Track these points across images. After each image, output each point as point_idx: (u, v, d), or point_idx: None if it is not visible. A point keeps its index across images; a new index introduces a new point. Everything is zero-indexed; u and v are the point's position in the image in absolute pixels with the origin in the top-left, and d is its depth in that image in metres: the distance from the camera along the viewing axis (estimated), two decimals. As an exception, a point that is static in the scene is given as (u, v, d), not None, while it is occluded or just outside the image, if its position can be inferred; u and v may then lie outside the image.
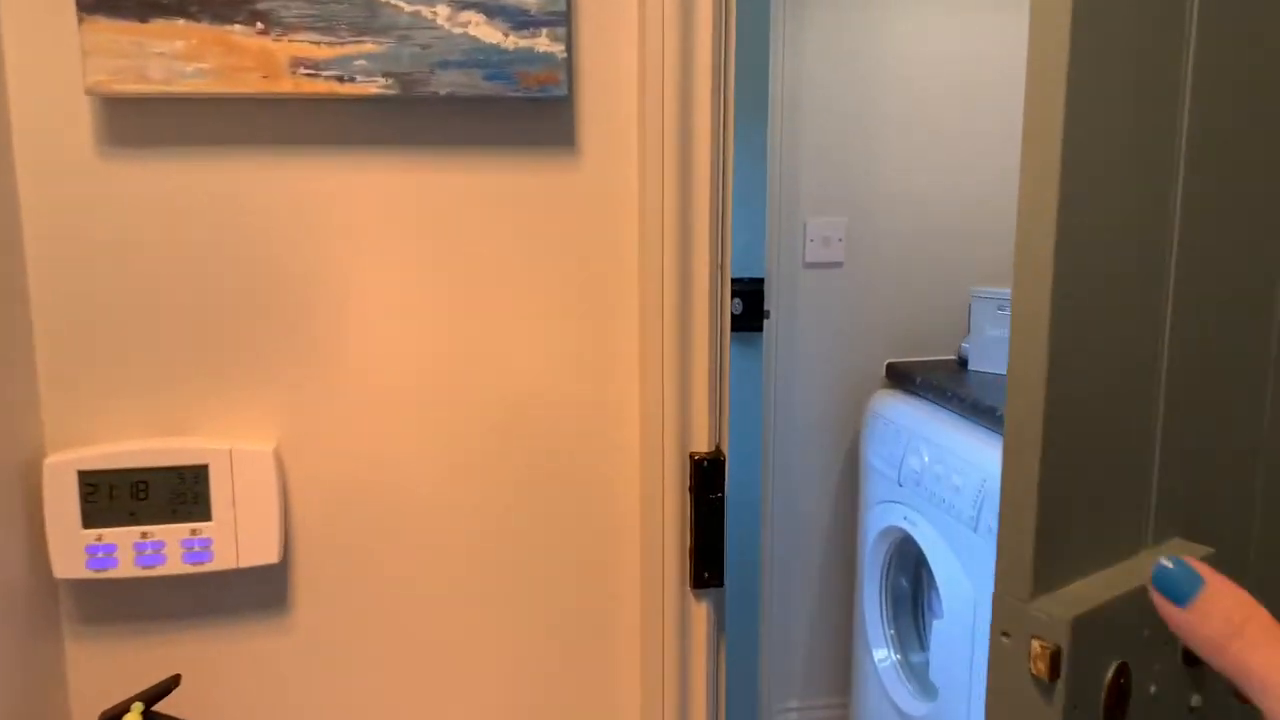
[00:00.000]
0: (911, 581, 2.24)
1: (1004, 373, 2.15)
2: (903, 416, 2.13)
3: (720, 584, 0.86)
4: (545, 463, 0.85)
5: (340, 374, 0.80)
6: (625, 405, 0.85)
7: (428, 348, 0.81)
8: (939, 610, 1.96)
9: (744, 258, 2.11)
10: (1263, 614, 0.37)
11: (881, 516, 2.17)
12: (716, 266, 0.84)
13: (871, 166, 2.28)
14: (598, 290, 0.83)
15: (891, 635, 2.21)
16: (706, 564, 0.85)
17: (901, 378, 2.26)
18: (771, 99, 2.20)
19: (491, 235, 0.80)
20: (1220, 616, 0.37)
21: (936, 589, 1.97)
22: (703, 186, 0.81)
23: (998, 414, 1.87)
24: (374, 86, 0.74)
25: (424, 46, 0.74)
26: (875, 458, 2.20)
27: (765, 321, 2.15)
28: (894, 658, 2.18)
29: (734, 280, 2.10)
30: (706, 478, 0.84)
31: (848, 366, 2.34)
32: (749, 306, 2.11)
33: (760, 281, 2.13)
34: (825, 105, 2.24)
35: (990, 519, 1.78)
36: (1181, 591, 0.38)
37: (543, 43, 0.75)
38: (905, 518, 2.07)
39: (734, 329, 2.12)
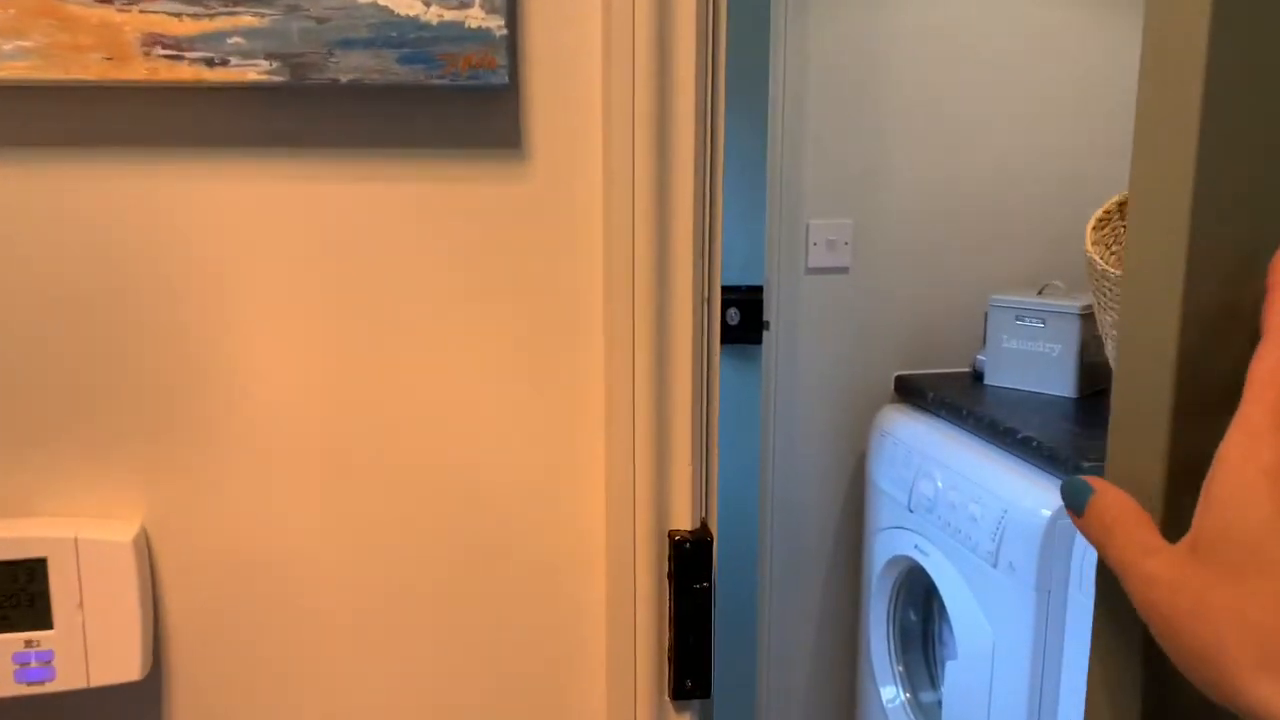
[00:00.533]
0: (921, 614, 2.08)
1: (1022, 387, 1.98)
2: (913, 436, 1.96)
3: (707, 694, 0.69)
4: (486, 547, 0.67)
5: (222, 438, 0.63)
6: (587, 473, 0.68)
7: (335, 405, 0.64)
8: (953, 649, 1.80)
9: (740, 264, 1.94)
10: (1131, 513, 0.41)
11: (889, 544, 2.00)
12: (702, 299, 0.67)
13: (880, 164, 2.11)
14: (552, 330, 0.65)
15: (900, 672, 2.04)
16: (689, 670, 0.68)
17: (912, 392, 2.09)
18: (771, 91, 2.02)
19: (413, 263, 0.63)
20: (1097, 519, 0.42)
21: (949, 623, 1.80)
22: (685, 196, 0.64)
23: (1019, 436, 1.70)
24: (253, 72, 0.57)
25: (319, 20, 0.57)
26: (883, 480, 2.03)
27: (764, 333, 1.98)
28: (903, 696, 2.02)
29: (730, 289, 1.92)
30: (690, 563, 0.67)
31: (854, 380, 2.17)
32: (746, 317, 1.94)
33: (759, 290, 1.96)
34: (830, 98, 2.06)
35: (1011, 555, 1.61)
36: (1078, 501, 0.43)
37: (475, 15, 0.58)
38: (916, 546, 1.91)
39: (730, 341, 1.94)
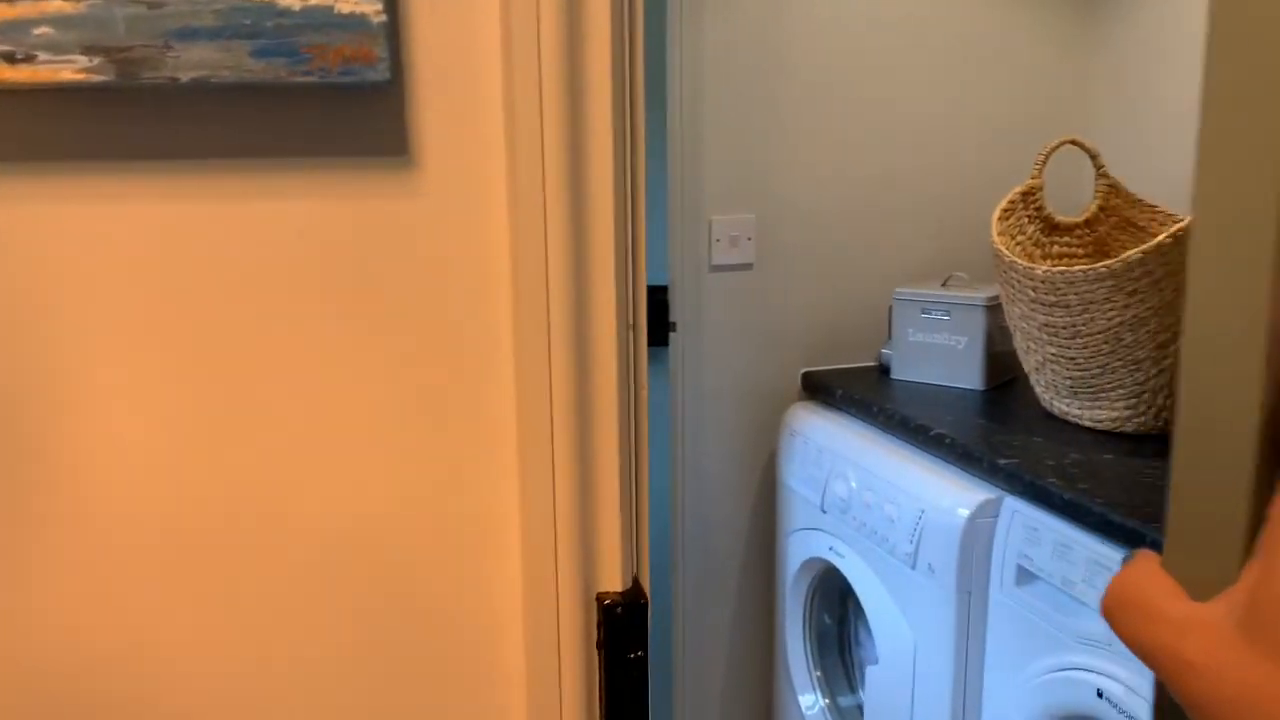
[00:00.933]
0: (836, 617, 2.04)
1: (929, 381, 1.96)
2: (823, 434, 1.92)
3: (644, 772, 0.61)
4: (381, 619, 0.58)
5: (48, 513, 0.52)
6: (501, 528, 0.59)
7: (201, 468, 0.53)
8: (871, 651, 1.76)
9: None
10: (1156, 583, 0.37)
11: (803, 546, 1.96)
12: (627, 325, 0.59)
13: (781, 158, 2.06)
14: (454, 366, 0.56)
15: (819, 678, 2.00)
16: (624, 747, 0.60)
17: (820, 389, 2.05)
18: (669, 84, 1.95)
19: (283, 296, 0.52)
20: (1115, 596, 0.39)
21: (867, 624, 1.77)
22: (604, 209, 0.56)
23: (931, 433, 1.67)
24: (68, 70, 0.46)
25: (151, 5, 0.46)
26: (795, 480, 1.98)
27: (671, 335, 1.91)
28: (822, 703, 1.98)
29: (634, 290, 1.85)
30: (622, 629, 0.58)
31: (761, 378, 2.12)
32: (653, 318, 1.87)
33: (664, 290, 1.88)
34: (729, 91, 2.00)
35: (931, 556, 1.58)
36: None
37: (348, -2, 0.48)
38: (831, 548, 1.86)
39: (635, 345, 1.87)
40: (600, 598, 0.59)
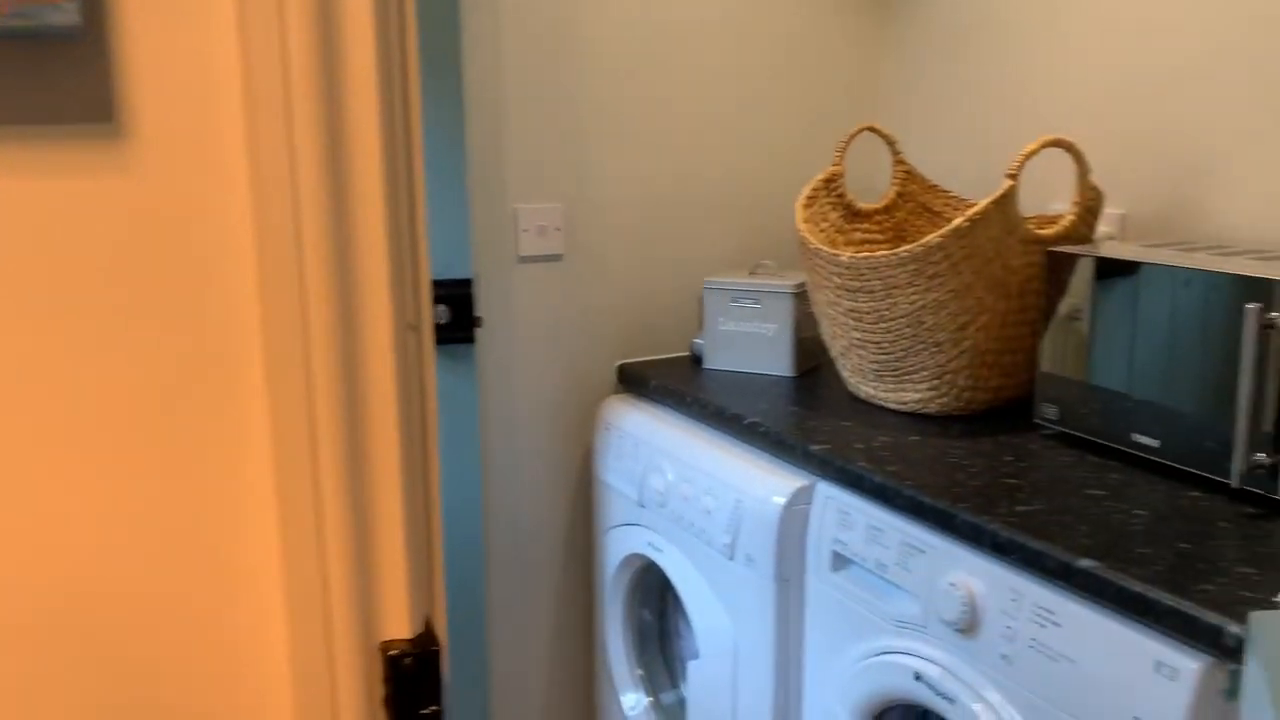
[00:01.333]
0: (656, 612, 2.01)
1: (741, 369, 1.95)
2: (639, 427, 1.88)
3: (445, 842, 0.53)
4: (109, 695, 0.47)
5: None
6: (255, 580, 0.49)
7: None
8: (693, 646, 1.73)
9: (445, 256, 1.75)
10: None
11: (621, 542, 1.91)
12: (407, 325, 0.50)
13: (587, 146, 1.99)
14: (187, 386, 0.46)
15: (640, 675, 1.96)
16: (420, 816, 0.52)
17: (634, 381, 2.01)
18: (465, 65, 1.84)
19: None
20: None
21: (687, 619, 1.74)
22: (372, 187, 0.47)
23: (745, 422, 1.66)
24: None
25: None
26: (611, 476, 1.93)
27: (477, 330, 1.81)
28: (645, 701, 1.94)
29: (437, 284, 1.74)
30: (412, 683, 0.50)
31: (575, 372, 2.05)
32: (457, 313, 1.76)
33: (468, 283, 1.78)
34: (530, 75, 1.92)
35: (748, 546, 1.56)
36: None
37: (15, -85, 0.37)
38: (650, 543, 1.82)
39: (440, 342, 1.76)
40: (385, 648, 0.50)
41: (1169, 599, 1.01)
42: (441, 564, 0.54)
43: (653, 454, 1.81)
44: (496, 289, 1.94)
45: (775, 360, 1.92)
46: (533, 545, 2.06)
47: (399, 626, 0.50)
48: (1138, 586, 1.04)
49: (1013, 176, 1.51)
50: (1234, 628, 0.95)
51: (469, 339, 1.77)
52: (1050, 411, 1.49)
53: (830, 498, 1.47)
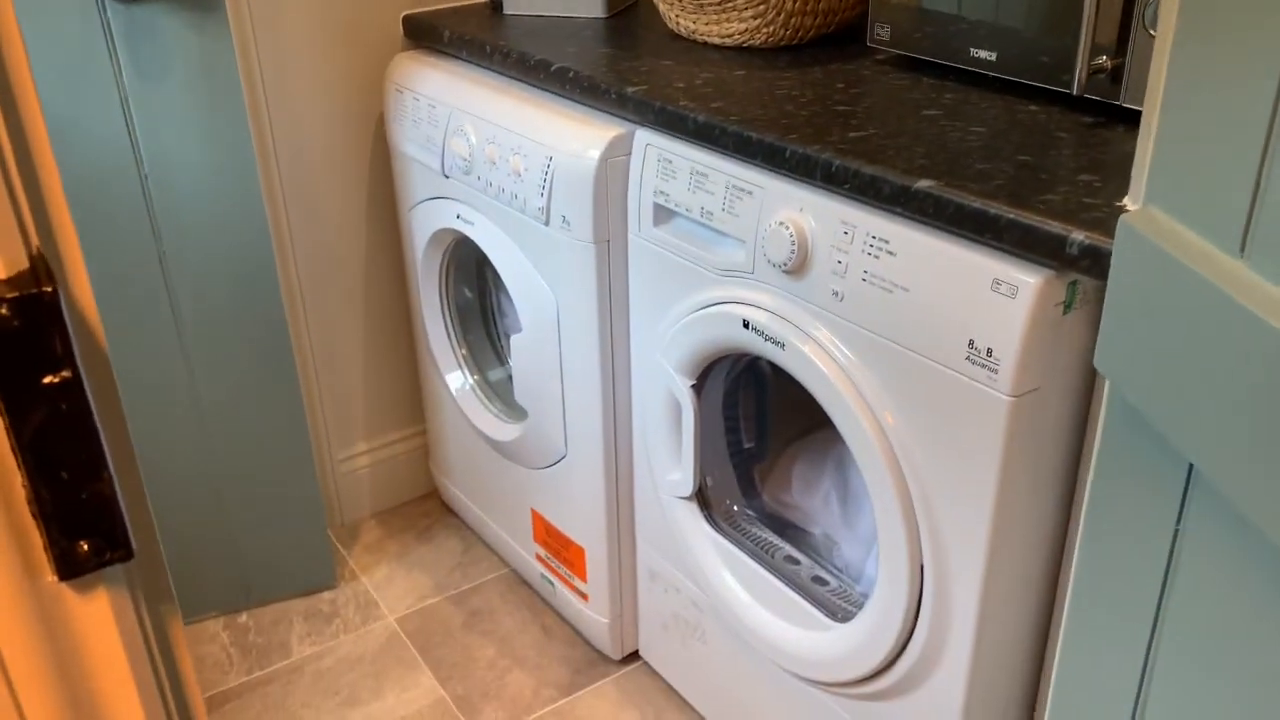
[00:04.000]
0: (476, 290, 1.88)
1: (546, 13, 1.71)
2: (435, 87, 1.65)
3: (127, 550, 0.39)
4: None
5: None
6: None
7: None
8: (515, 321, 1.63)
9: None
10: None
11: (428, 218, 1.74)
12: None
13: None
14: None
15: (464, 355, 1.86)
16: (81, 522, 0.37)
17: (425, 34, 1.75)
18: None
19: None
20: None
21: (508, 293, 1.62)
22: None
23: (553, 69, 1.45)
24: None
25: None
26: (408, 144, 1.72)
27: (218, -29, 1.48)
28: (470, 380, 1.85)
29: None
30: (21, 344, 0.34)
31: (353, 27, 1.76)
32: (188, -50, 1.43)
33: (196, -91, 1.43)
34: None
35: (564, 208, 1.41)
36: None
37: None
38: (459, 216, 1.66)
39: (172, -13, 1.43)
40: (-39, 300, 0.33)
41: (1010, 213, 0.94)
42: (58, 181, 0.37)
43: (452, 115, 1.60)
44: (241, -78, 1.59)
45: (584, 0, 1.69)
46: (330, 228, 1.86)
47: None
48: (976, 203, 0.96)
49: None
50: (1078, 235, 0.89)
51: (211, -16, 1.45)
52: (883, 33, 1.35)
53: (650, 145, 1.32)
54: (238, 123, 1.54)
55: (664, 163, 1.30)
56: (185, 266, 1.58)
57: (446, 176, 1.64)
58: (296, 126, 1.76)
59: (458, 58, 1.69)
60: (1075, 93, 1.12)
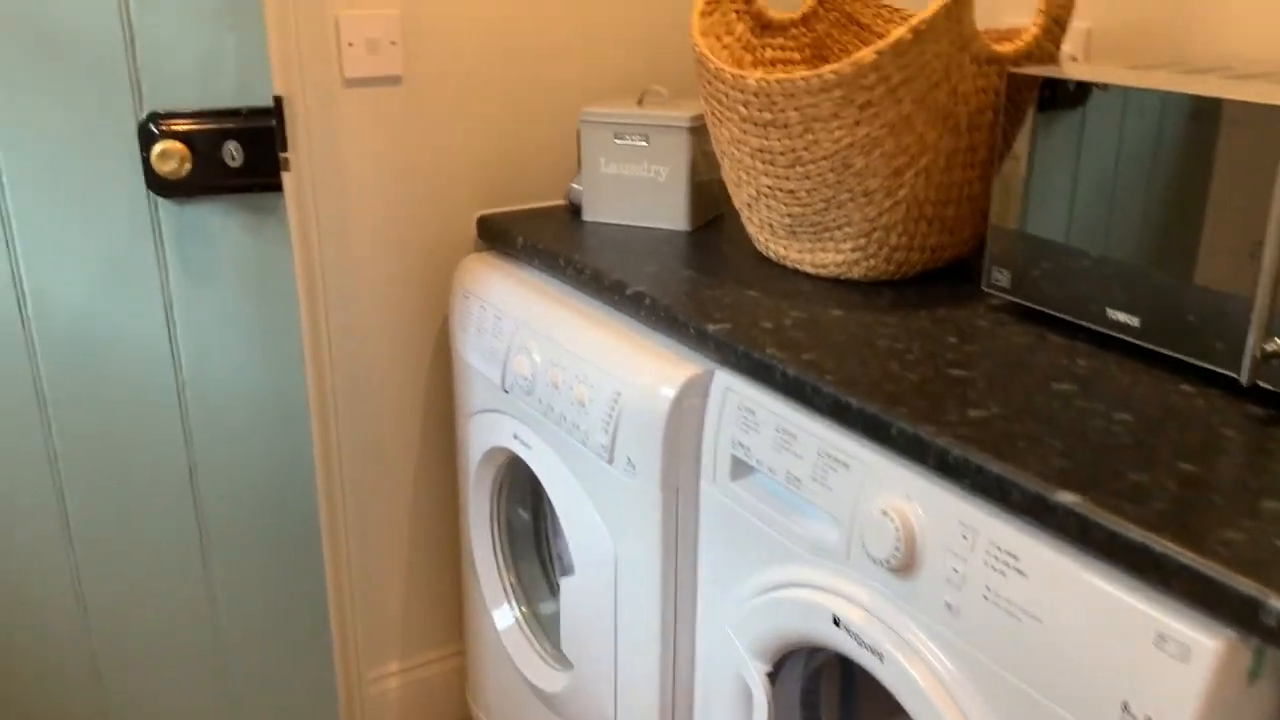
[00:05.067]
0: (531, 510, 1.72)
1: (627, 222, 1.60)
2: (502, 296, 1.54)
3: None
4: None
5: None
6: None
7: None
8: (567, 557, 1.45)
9: (230, 78, 1.34)
10: None
11: (485, 432, 1.60)
12: None
13: (427, -70, 1.56)
14: None
15: (513, 583, 1.69)
16: None
17: (498, 237, 1.65)
18: None
19: None
20: None
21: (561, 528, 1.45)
22: None
23: (628, 292, 1.33)
24: None
25: None
26: (470, 352, 1.60)
27: (284, 174, 1.41)
28: (517, 612, 1.67)
29: (224, 113, 1.32)
30: None
31: (427, 225, 1.68)
32: (254, 153, 1.36)
33: (269, 111, 1.37)
34: None
35: (630, 448, 1.25)
36: None
37: None
38: (516, 435, 1.51)
39: (234, 190, 1.36)
40: None
41: (1183, 555, 0.74)
42: None
43: (518, 329, 1.48)
44: (317, 121, 1.53)
45: (668, 211, 1.58)
46: (381, 432, 1.73)
47: None
48: (1136, 534, 0.77)
49: (970, -28, 1.16)
50: (1276, 603, 0.69)
51: (275, 186, 1.38)
52: (1002, 278, 1.19)
53: (730, 389, 1.17)
54: (288, 328, 1.44)
55: (745, 412, 1.14)
56: (218, 477, 1.46)
57: (506, 392, 1.51)
58: (357, 324, 1.66)
59: (530, 265, 1.59)
60: (1244, 381, 0.94)
